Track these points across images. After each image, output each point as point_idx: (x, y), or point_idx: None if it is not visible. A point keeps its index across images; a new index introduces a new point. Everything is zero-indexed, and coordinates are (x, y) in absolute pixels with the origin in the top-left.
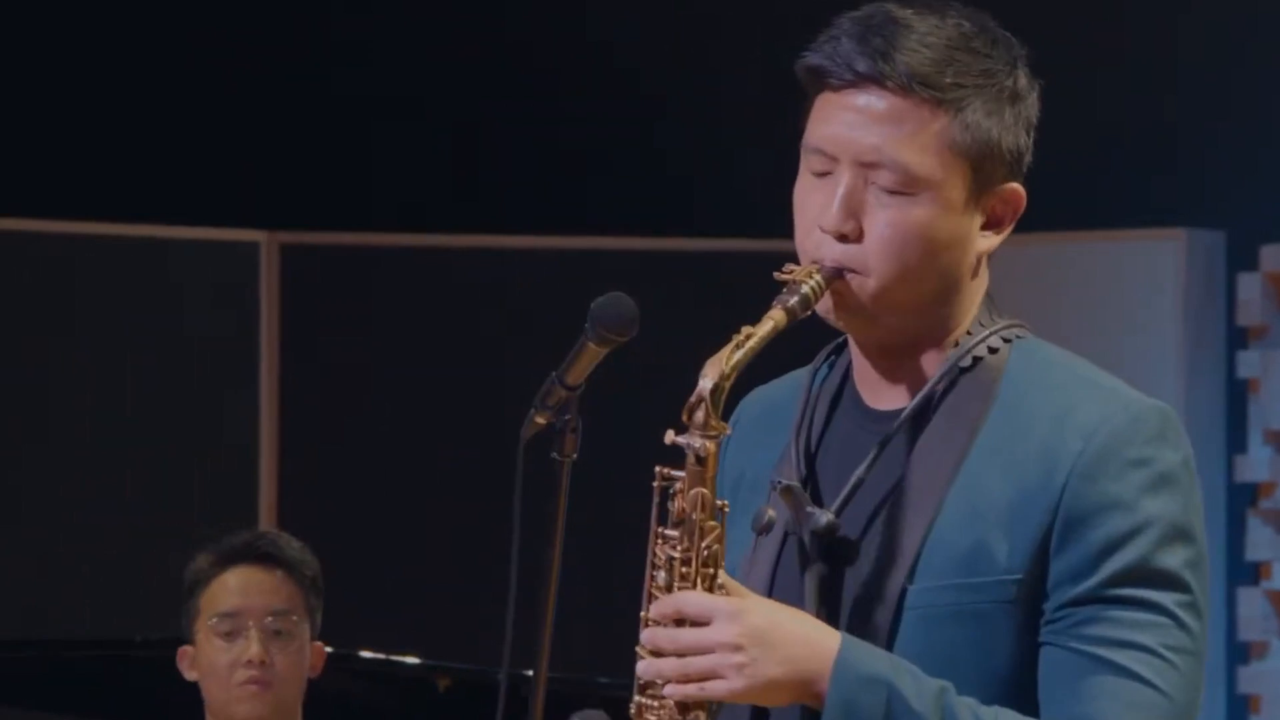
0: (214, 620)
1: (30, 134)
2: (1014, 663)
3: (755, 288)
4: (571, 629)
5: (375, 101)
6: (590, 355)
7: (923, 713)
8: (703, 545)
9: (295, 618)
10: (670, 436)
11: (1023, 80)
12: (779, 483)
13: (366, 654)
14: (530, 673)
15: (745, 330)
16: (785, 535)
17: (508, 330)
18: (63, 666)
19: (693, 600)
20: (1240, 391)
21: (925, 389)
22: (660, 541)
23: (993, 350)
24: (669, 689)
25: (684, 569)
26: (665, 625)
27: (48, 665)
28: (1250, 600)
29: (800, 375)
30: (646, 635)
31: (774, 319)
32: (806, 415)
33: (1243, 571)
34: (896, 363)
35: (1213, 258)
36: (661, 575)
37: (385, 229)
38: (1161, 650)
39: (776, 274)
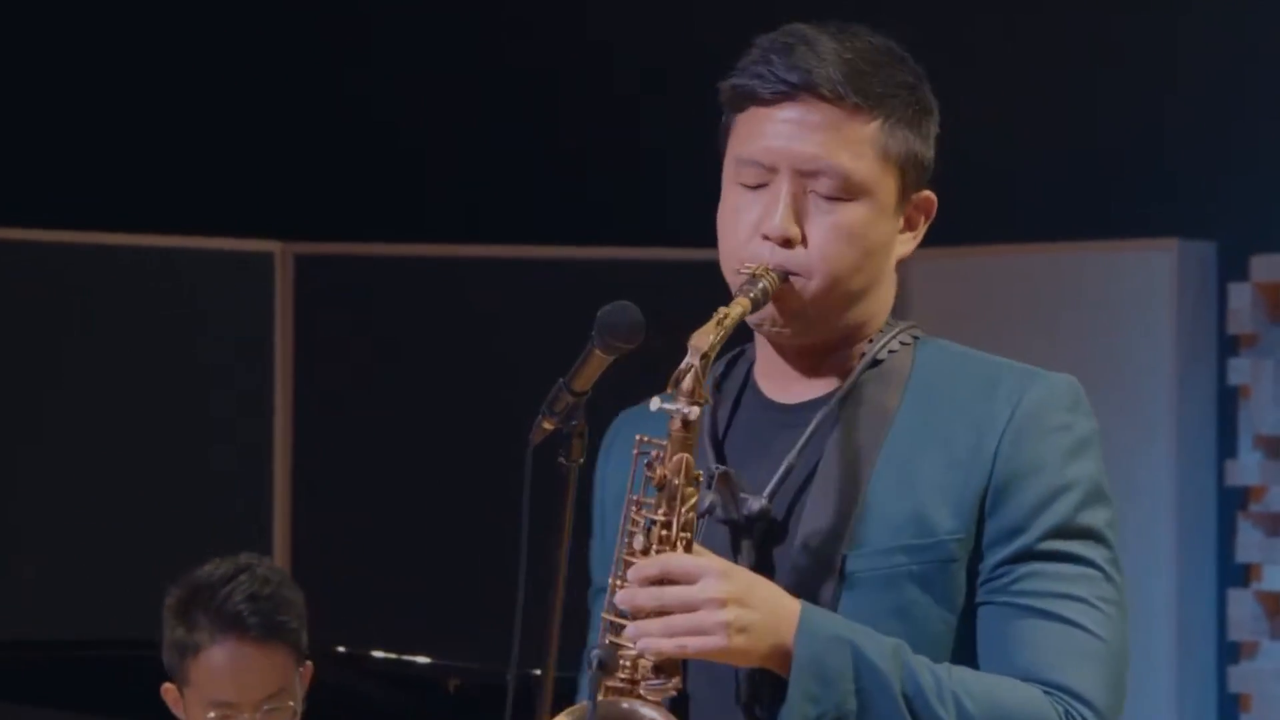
0: (207, 706)
1: (47, 146)
2: (954, 623)
3: None
4: (579, 629)
5: (389, 114)
6: (597, 362)
7: (885, 670)
8: (684, 510)
9: (289, 694)
10: (656, 403)
11: (929, 95)
12: (716, 469)
13: (378, 654)
14: (538, 672)
15: (722, 310)
16: (719, 524)
17: (517, 338)
18: (80, 666)
19: (679, 559)
20: (1231, 398)
21: (849, 380)
22: (638, 507)
23: (903, 344)
24: (645, 643)
25: (664, 532)
26: (649, 588)
27: (65, 665)
28: (1240, 601)
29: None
30: (624, 596)
31: (742, 305)
32: (713, 416)
33: (1233, 573)
34: (811, 361)
35: (1204, 268)
36: (639, 539)
37: (398, 240)
38: (1096, 601)
39: (739, 269)
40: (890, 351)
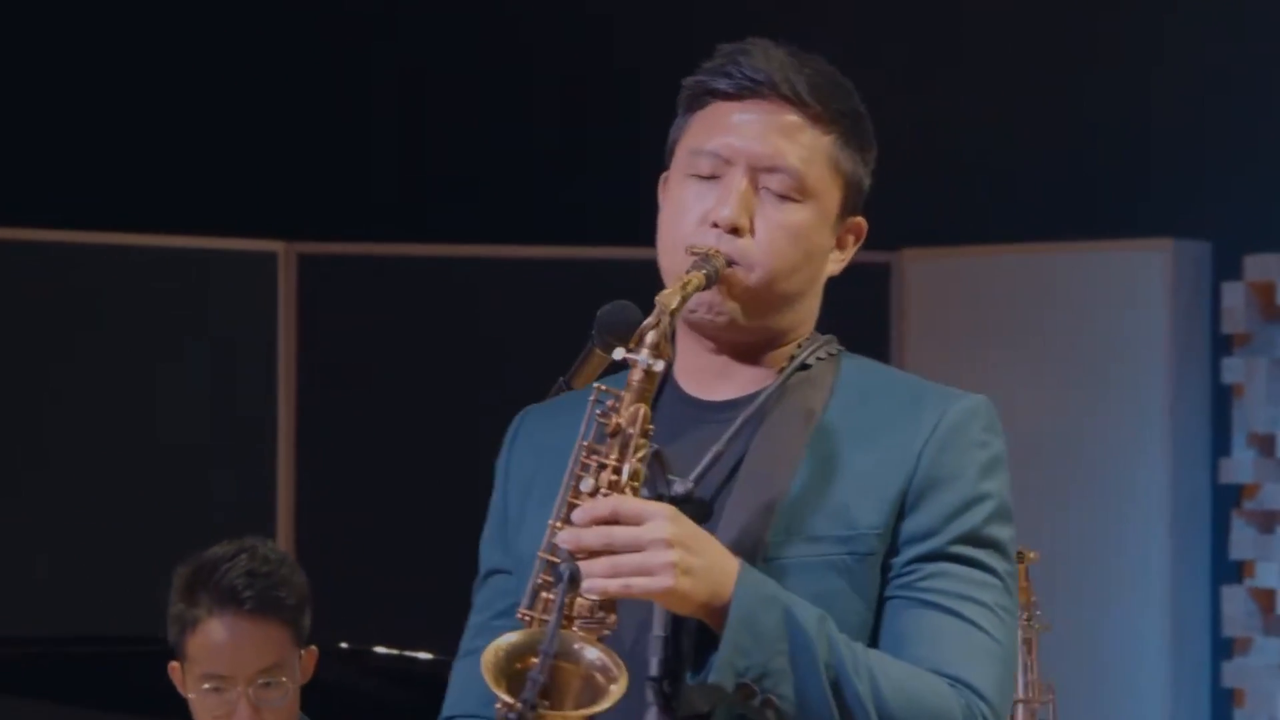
0: (203, 679)
1: (53, 147)
2: (866, 615)
3: None
4: None
5: (392, 114)
6: (597, 361)
7: (814, 635)
8: (634, 458)
9: (284, 670)
10: (620, 353)
11: (870, 129)
12: (654, 448)
13: (380, 650)
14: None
15: (683, 278)
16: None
17: (520, 337)
18: (96, 662)
19: (630, 500)
20: (1225, 396)
21: (780, 378)
22: (589, 453)
23: (829, 355)
24: (590, 583)
25: (614, 477)
26: (596, 527)
27: (82, 661)
28: (1234, 598)
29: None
30: (568, 536)
31: (696, 280)
32: None
33: (1227, 570)
34: (735, 360)
35: (1199, 267)
36: (588, 482)
37: (401, 239)
38: (994, 607)
39: (689, 249)
40: (818, 359)
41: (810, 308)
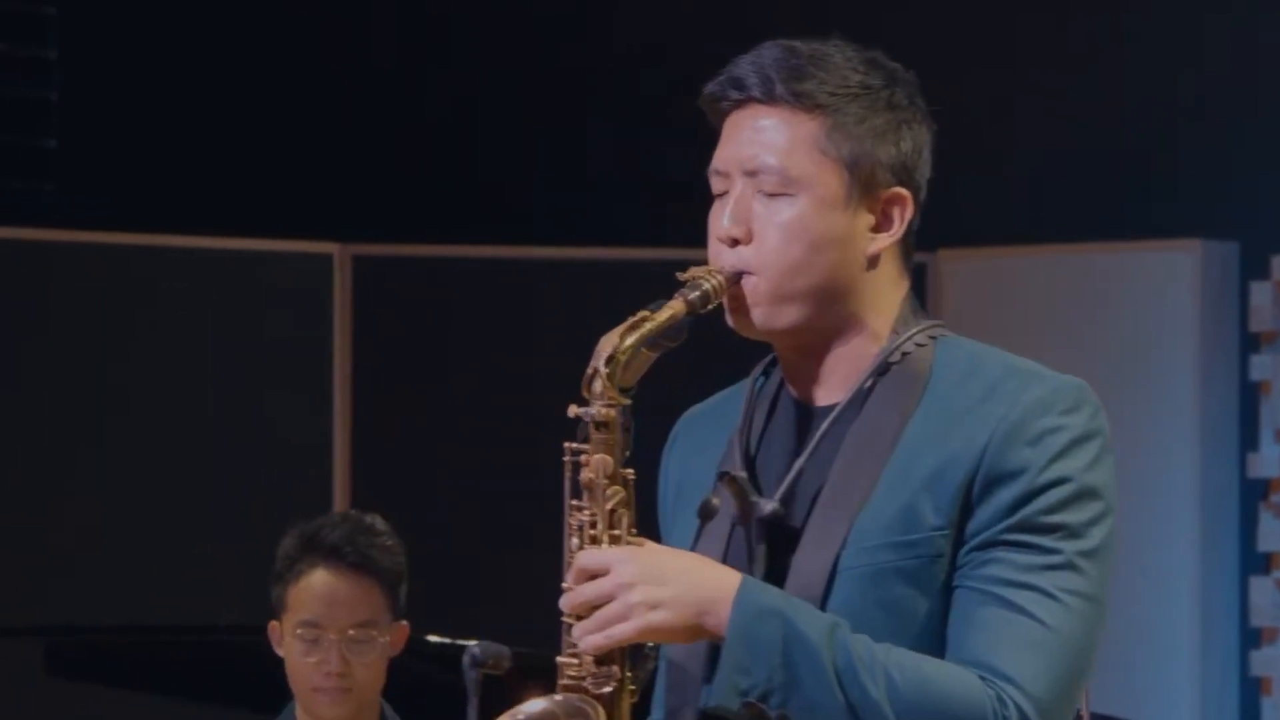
0: (297, 626)
1: (109, 149)
2: (942, 616)
3: None
4: None
5: (447, 117)
6: (643, 359)
7: (817, 643)
8: (608, 508)
9: (376, 627)
10: (573, 410)
11: (901, 97)
12: (725, 473)
13: (433, 639)
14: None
15: (642, 313)
16: (732, 526)
17: (575, 338)
18: (156, 650)
19: (587, 555)
20: (1252, 393)
21: (856, 383)
22: (573, 511)
23: (919, 346)
24: (583, 642)
25: (592, 531)
26: (576, 587)
27: (143, 649)
28: (1262, 589)
29: (733, 390)
30: (563, 600)
31: (673, 309)
32: (747, 417)
33: (1255, 562)
34: (819, 362)
35: (1226, 267)
36: (574, 542)
37: (454, 241)
38: (1055, 591)
39: (678, 274)
40: (904, 353)
41: (873, 296)
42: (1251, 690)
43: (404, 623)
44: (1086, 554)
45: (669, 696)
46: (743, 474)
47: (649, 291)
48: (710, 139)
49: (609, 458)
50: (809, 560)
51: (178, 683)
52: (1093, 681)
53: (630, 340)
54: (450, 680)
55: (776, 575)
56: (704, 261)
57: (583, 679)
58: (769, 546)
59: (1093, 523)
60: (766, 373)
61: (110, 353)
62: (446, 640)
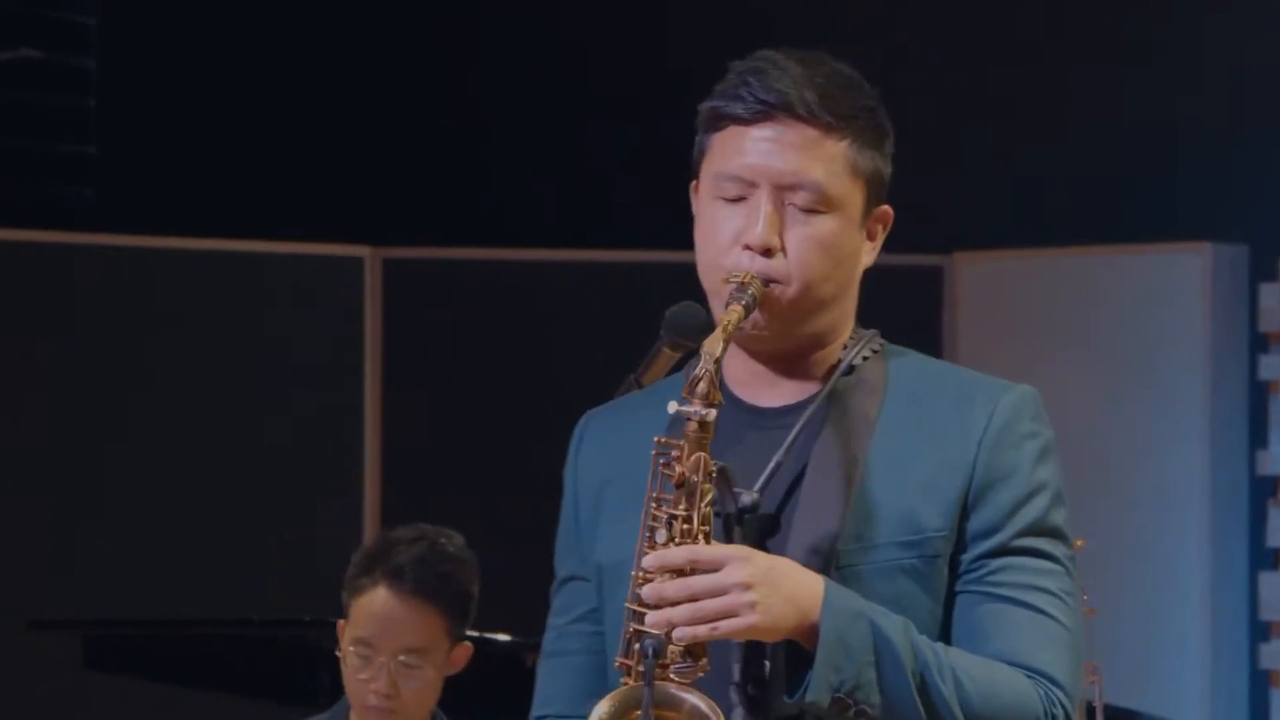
0: (352, 641)
1: (140, 154)
2: (939, 612)
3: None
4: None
5: (477, 121)
6: (665, 359)
7: (899, 644)
8: (702, 505)
9: (427, 655)
10: (673, 406)
11: (885, 118)
12: (715, 465)
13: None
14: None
15: (724, 317)
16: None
17: (604, 340)
18: (190, 643)
19: (705, 549)
20: (1261, 392)
21: (830, 383)
22: (657, 504)
23: (874, 352)
24: (679, 633)
25: (685, 526)
26: (675, 579)
27: (176, 642)
28: (1271, 583)
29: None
30: (651, 590)
31: (737, 311)
32: None
33: (1264, 557)
34: (784, 366)
35: (1236, 269)
36: (661, 534)
37: (485, 244)
38: (1060, 593)
39: (724, 280)
40: (863, 359)
41: (848, 306)
42: (1261, 683)
43: (467, 644)
44: (1070, 558)
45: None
46: (728, 466)
47: (676, 294)
48: None
49: (707, 456)
50: (800, 551)
51: (211, 675)
52: (1105, 674)
53: (723, 343)
54: (511, 676)
55: None
56: None
57: (666, 666)
58: (749, 536)
59: (1067, 525)
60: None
61: (147, 353)
62: (474, 634)
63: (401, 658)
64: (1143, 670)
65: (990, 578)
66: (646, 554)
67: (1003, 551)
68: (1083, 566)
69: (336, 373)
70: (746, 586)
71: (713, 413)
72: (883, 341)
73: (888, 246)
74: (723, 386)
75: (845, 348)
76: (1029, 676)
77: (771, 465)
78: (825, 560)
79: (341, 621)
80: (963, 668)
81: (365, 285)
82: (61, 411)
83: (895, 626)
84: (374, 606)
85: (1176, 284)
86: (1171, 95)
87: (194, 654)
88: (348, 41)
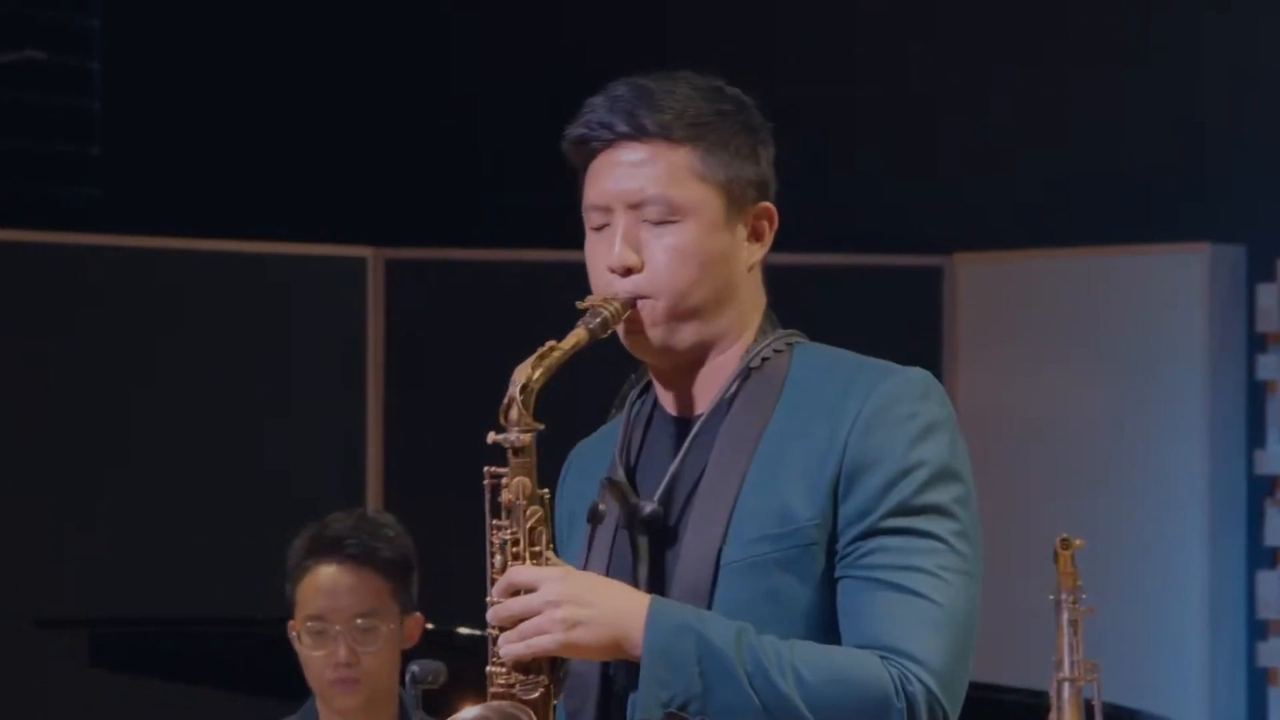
0: (305, 620)
1: (142, 155)
2: (821, 602)
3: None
4: None
5: (479, 121)
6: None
7: (728, 651)
8: (528, 527)
9: (380, 616)
10: (491, 436)
11: (755, 118)
12: (607, 479)
13: (464, 630)
14: None
15: (550, 343)
16: (616, 529)
17: (609, 342)
18: (196, 642)
19: (520, 571)
20: (1259, 392)
21: (720, 391)
22: (494, 530)
23: (777, 352)
24: (505, 650)
25: (514, 549)
26: (504, 601)
27: (180, 640)
28: (1268, 582)
29: (615, 423)
30: (490, 613)
31: (577, 336)
32: (626, 435)
33: (1261, 556)
34: (690, 375)
35: (1234, 270)
36: (498, 559)
37: (488, 244)
38: (937, 570)
39: (577, 303)
40: (764, 359)
41: (741, 307)
42: (1259, 681)
43: (417, 614)
44: (958, 534)
45: (568, 701)
46: (622, 478)
47: None
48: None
49: (527, 480)
50: (691, 557)
51: (216, 673)
52: (1104, 672)
53: (540, 371)
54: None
55: (660, 572)
56: None
57: (512, 686)
58: (652, 545)
59: (958, 502)
60: (642, 394)
61: (150, 353)
62: (476, 632)
63: (358, 622)
64: (1141, 669)
65: (861, 560)
66: (492, 579)
67: (873, 533)
68: (1082, 565)
69: (339, 372)
70: (556, 604)
71: (526, 438)
72: (798, 338)
73: (888, 247)
74: (657, 405)
75: (747, 351)
76: (883, 657)
77: (668, 475)
78: (709, 563)
79: (291, 622)
80: (806, 660)
81: (368, 285)
82: (66, 411)
83: (727, 634)
84: (319, 581)
85: (1175, 284)
86: (1171, 95)
87: (199, 652)
88: (350, 43)
